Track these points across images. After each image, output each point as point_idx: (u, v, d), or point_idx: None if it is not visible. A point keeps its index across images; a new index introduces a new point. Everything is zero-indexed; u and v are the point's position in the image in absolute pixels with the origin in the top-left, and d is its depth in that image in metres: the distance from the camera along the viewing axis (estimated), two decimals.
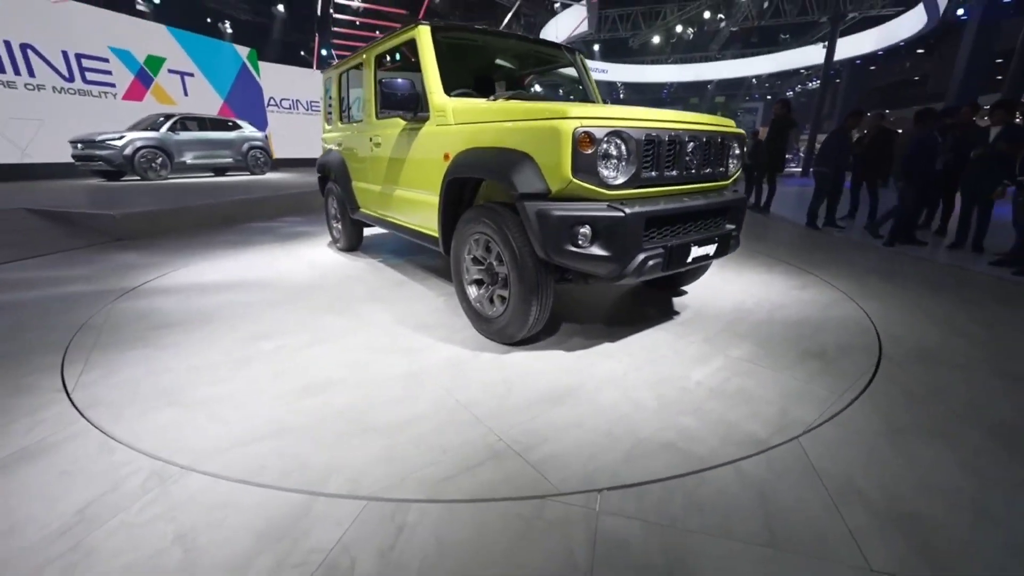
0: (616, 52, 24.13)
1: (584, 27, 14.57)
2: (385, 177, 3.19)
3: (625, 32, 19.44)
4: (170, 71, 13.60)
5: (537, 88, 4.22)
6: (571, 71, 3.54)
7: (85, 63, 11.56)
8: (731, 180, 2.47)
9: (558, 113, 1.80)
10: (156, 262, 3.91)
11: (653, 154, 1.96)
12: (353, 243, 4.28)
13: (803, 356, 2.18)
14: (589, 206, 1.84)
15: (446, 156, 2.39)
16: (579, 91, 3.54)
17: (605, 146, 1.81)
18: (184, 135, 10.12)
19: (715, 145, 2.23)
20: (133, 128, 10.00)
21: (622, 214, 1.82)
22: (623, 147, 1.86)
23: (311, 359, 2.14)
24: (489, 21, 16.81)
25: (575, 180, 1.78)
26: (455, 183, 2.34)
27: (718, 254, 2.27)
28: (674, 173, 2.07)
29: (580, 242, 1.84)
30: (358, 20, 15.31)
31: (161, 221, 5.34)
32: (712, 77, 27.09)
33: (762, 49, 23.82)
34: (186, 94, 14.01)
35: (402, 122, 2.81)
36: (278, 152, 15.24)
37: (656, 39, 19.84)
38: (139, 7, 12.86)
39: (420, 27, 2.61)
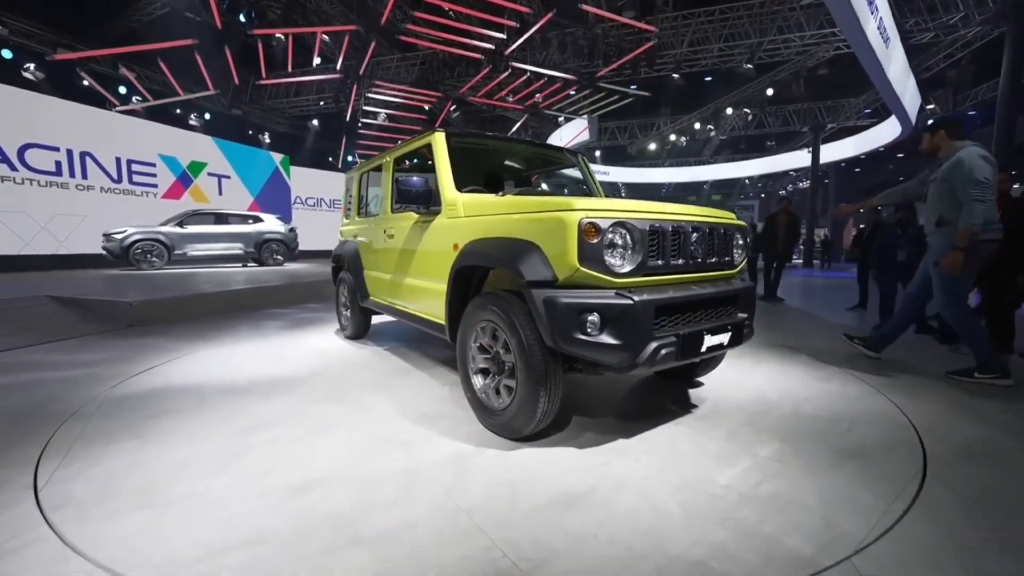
0: (616, 157, 26.29)
1: (585, 136, 16.06)
2: (396, 266, 3.28)
3: (623, 140, 21.36)
4: (209, 174, 14.95)
5: (544, 187, 4.50)
6: (576, 172, 3.79)
7: (134, 167, 12.79)
8: (738, 269, 2.48)
9: (564, 205, 1.88)
10: (164, 348, 3.90)
11: (658, 244, 1.99)
12: (360, 331, 4.27)
13: (839, 456, 1.99)
14: (597, 293, 1.83)
15: (455, 246, 2.46)
16: (583, 190, 3.76)
17: (611, 235, 1.85)
18: (191, 229, 10.61)
19: (718, 236, 2.28)
20: (165, 223, 10.72)
21: (631, 301, 1.79)
22: (628, 237, 1.90)
23: (304, 453, 2.00)
24: (500, 131, 18.68)
25: (582, 268, 1.80)
26: (463, 272, 2.37)
27: (732, 343, 2.20)
28: (680, 262, 2.09)
29: (589, 330, 1.79)
30: (382, 131, 17.10)
31: (175, 308, 5.45)
32: (707, 178, 29.08)
33: (751, 154, 25.82)
34: (220, 193, 15.25)
35: (415, 215, 2.96)
36: (303, 243, 16.04)
37: (652, 146, 21.70)
38: (191, 122, 14.52)
39: (436, 134, 2.86)
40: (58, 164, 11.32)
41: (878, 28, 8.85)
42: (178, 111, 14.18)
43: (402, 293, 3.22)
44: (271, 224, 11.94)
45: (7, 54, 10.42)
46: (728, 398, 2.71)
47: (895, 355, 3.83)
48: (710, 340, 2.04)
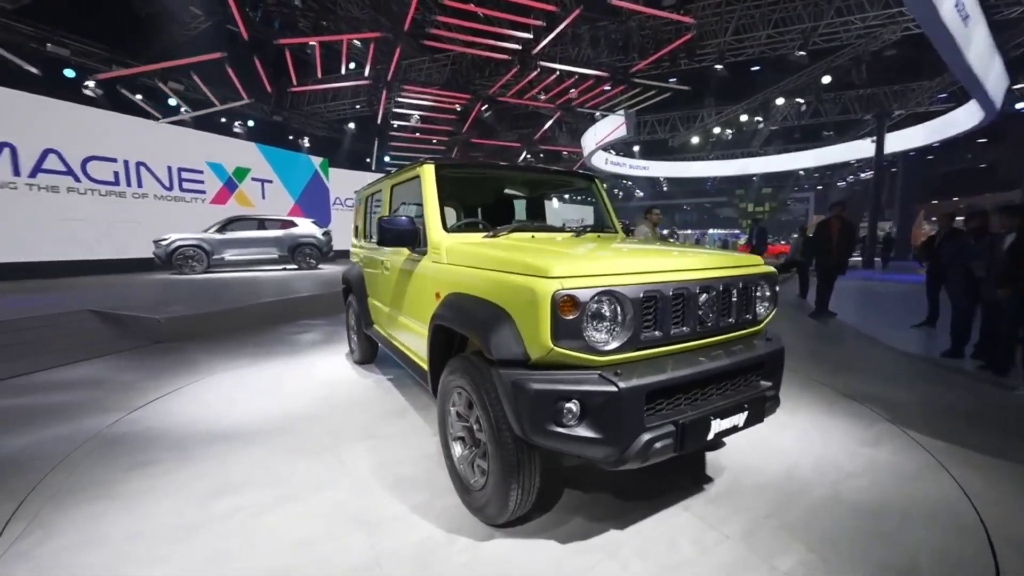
0: (657, 150, 25.18)
1: (621, 132, 15.37)
2: (391, 300, 3.11)
3: (664, 134, 20.37)
4: (253, 179, 15.60)
5: (555, 205, 4.17)
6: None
7: (184, 175, 13.51)
8: (763, 325, 2.11)
9: (538, 270, 1.61)
10: (175, 372, 3.95)
11: (655, 312, 1.68)
12: (367, 356, 4.17)
13: None
14: (576, 376, 1.55)
15: (437, 295, 2.24)
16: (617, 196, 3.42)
17: (595, 306, 1.56)
18: (228, 235, 11.04)
19: (736, 292, 1.92)
20: (208, 228, 11.24)
21: (615, 389, 1.50)
22: (617, 308, 1.60)
23: (263, 531, 1.85)
24: (533, 129, 18.28)
25: (557, 348, 1.52)
26: (441, 328, 2.14)
27: (750, 422, 1.85)
28: (684, 330, 1.76)
29: (566, 421, 1.52)
30: (414, 132, 17.18)
31: (199, 325, 5.60)
32: (756, 171, 27.32)
33: (806, 144, 23.95)
34: (263, 197, 15.89)
35: (406, 251, 2.77)
36: (339, 243, 16.50)
37: (695, 139, 20.57)
38: (236, 129, 15.14)
39: (425, 166, 2.64)
40: (116, 174, 12.10)
41: (955, 6, 7.76)
42: (223, 120, 14.82)
43: (394, 329, 3.05)
44: (305, 228, 12.23)
45: (70, 73, 11.19)
46: (751, 468, 2.34)
47: (955, 395, 3.27)
48: (719, 425, 1.71)
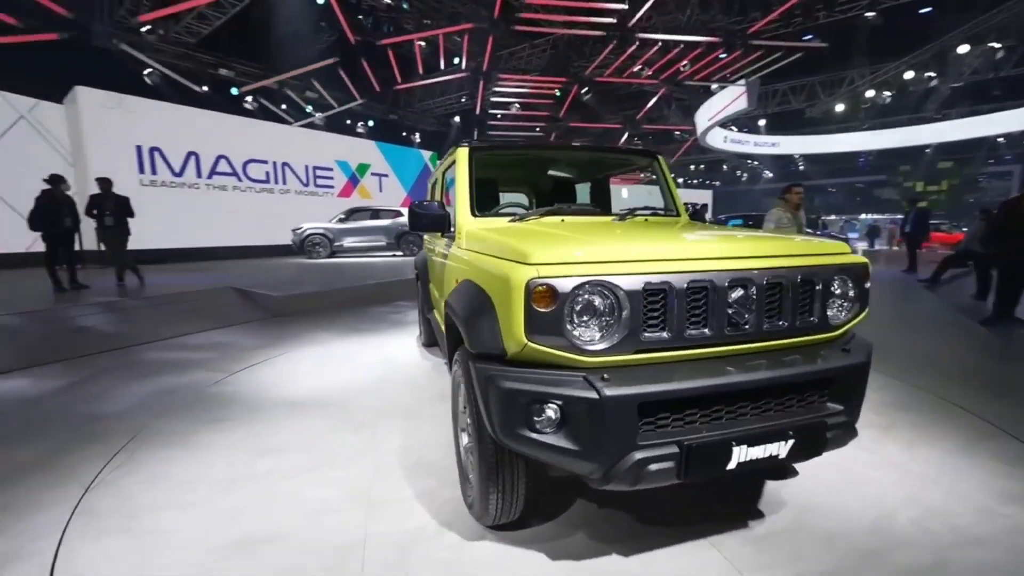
0: (789, 124, 21.82)
1: (741, 104, 13.58)
2: (435, 285, 3.16)
3: (798, 103, 17.53)
4: (372, 174, 17.31)
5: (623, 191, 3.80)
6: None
7: (317, 172, 15.54)
8: (840, 332, 1.64)
9: (518, 255, 1.43)
10: (277, 342, 4.56)
11: (662, 308, 1.39)
12: (431, 339, 4.32)
13: None
14: (557, 378, 1.35)
15: (456, 281, 2.17)
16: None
17: (580, 298, 1.34)
18: (346, 224, 12.29)
19: (793, 287, 1.51)
20: (334, 219, 12.78)
21: (595, 396, 1.28)
22: (610, 301, 1.35)
23: (285, 494, 2.01)
24: (639, 108, 17.15)
25: (531, 344, 1.34)
26: (448, 316, 2.07)
27: (800, 455, 1.45)
28: (706, 332, 1.43)
29: (540, 427, 1.35)
30: (514, 120, 17.32)
31: (306, 303, 6.40)
32: (930, 141, 22.05)
33: (1007, 103, 18.57)
34: (380, 190, 17.55)
35: (444, 236, 2.77)
36: None
37: (840, 106, 17.32)
38: (359, 130, 16.88)
39: (460, 149, 2.58)
40: (267, 174, 14.38)
41: None
42: (347, 121, 16.63)
43: (438, 314, 3.09)
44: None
45: (234, 91, 13.53)
46: (823, 509, 1.86)
47: None
48: (746, 452, 1.36)
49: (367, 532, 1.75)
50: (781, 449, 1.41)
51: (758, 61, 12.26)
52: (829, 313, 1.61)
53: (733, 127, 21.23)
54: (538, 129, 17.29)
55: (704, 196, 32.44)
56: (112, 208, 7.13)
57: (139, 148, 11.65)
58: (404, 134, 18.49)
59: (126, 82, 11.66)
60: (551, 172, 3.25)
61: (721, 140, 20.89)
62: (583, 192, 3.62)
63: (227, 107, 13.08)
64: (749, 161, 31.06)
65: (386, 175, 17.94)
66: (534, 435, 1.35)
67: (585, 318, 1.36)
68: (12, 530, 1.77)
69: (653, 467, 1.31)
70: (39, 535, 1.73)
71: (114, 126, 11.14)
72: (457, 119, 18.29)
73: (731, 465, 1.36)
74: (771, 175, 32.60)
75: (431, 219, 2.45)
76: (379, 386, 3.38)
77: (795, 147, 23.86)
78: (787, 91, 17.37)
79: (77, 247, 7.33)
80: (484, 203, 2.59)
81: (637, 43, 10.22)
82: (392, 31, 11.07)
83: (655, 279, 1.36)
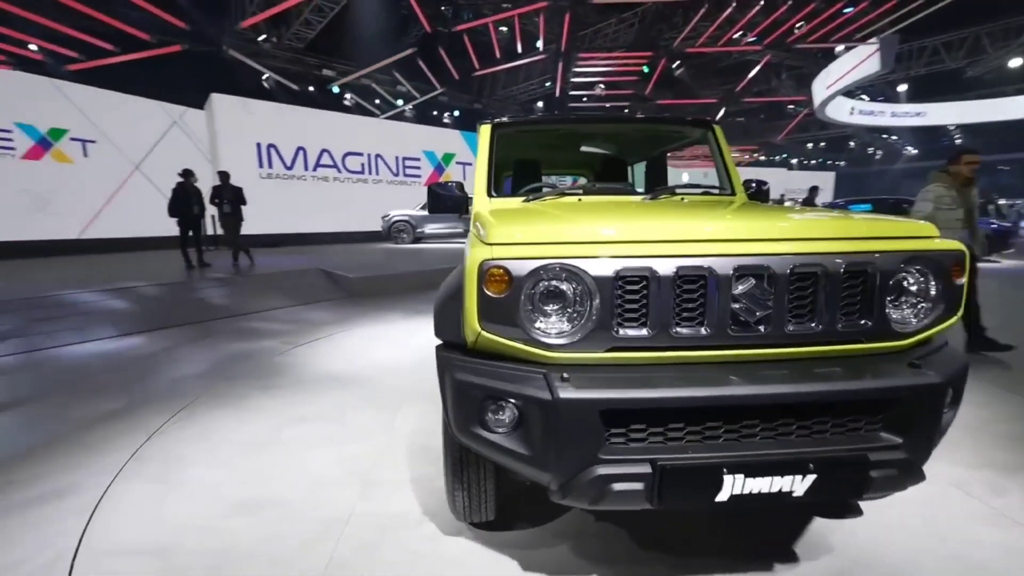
0: (940, 87, 17.99)
1: (872, 67, 11.42)
2: None
3: (953, 62, 14.32)
4: (457, 162, 17.90)
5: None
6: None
7: (406, 162, 16.47)
8: (909, 341, 1.24)
9: (484, 235, 1.29)
10: (343, 319, 4.91)
11: (643, 300, 1.15)
12: None
13: None
14: (515, 373, 1.20)
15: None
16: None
17: (538, 283, 1.17)
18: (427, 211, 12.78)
19: (833, 280, 1.16)
20: (417, 206, 13.45)
21: (548, 397, 1.10)
22: (575, 288, 1.16)
23: (300, 463, 2.12)
24: (736, 81, 15.36)
25: (484, 333, 1.20)
26: None
27: (823, 494, 1.13)
28: (703, 331, 1.16)
29: (492, 426, 1.21)
30: (599, 102, 16.58)
31: (379, 285, 6.81)
32: None
33: None
34: (464, 178, 18.13)
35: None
36: None
37: (1017, 61, 13.81)
38: (444, 120, 17.49)
39: (483, 126, 2.45)
40: (363, 165, 15.58)
41: None
42: (434, 112, 17.29)
43: None
44: None
45: (335, 89, 14.78)
46: (879, 564, 1.46)
47: None
48: (742, 483, 1.09)
49: (353, 510, 1.77)
50: (796, 485, 1.10)
51: (895, 11, 10.14)
52: (895, 316, 1.23)
53: (863, 95, 18.13)
54: (627, 110, 16.38)
55: (824, 179, 28.42)
56: (229, 197, 8.22)
57: (259, 145, 13.30)
58: None
59: (252, 87, 13.34)
60: (584, 148, 2.98)
61: (847, 112, 17.93)
62: (639, 173, 3.30)
63: (329, 104, 14.34)
64: (885, 136, 26.40)
65: (470, 163, 18.43)
66: (486, 434, 1.21)
67: (547, 307, 1.18)
68: (83, 465, 2.09)
69: (618, 486, 1.10)
70: (100, 471, 2.03)
71: (239, 127, 12.84)
72: (540, 104, 18.05)
73: (722, 497, 1.09)
74: (914, 152, 27.42)
75: (449, 201, 2.37)
76: (418, 368, 3.45)
77: (949, 116, 19.67)
78: (938, 47, 14.28)
79: (204, 232, 8.60)
80: (522, 184, 2.46)
81: (734, 4, 9.06)
82: (471, 18, 11.17)
83: (633, 264, 1.13)
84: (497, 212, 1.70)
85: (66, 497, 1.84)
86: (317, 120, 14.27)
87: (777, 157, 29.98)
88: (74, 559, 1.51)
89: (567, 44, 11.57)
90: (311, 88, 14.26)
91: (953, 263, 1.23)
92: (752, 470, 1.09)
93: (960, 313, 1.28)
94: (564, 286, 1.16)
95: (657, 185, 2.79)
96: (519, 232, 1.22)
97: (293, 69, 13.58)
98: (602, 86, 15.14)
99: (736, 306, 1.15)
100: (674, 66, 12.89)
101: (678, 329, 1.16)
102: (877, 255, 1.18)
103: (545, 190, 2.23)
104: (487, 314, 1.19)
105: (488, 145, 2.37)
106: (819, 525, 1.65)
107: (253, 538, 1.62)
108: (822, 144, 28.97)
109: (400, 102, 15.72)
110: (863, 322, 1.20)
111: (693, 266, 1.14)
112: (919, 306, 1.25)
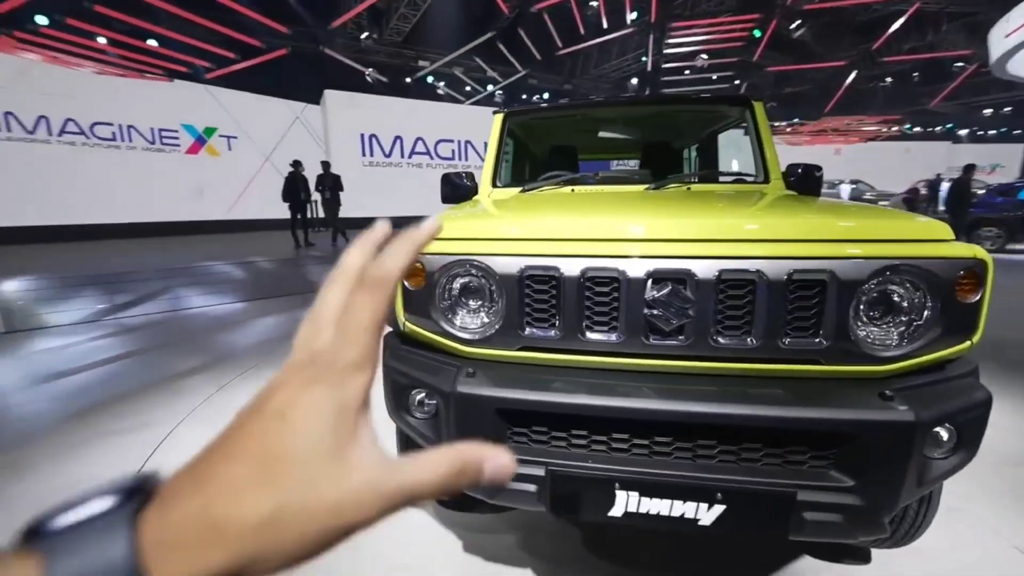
0: None
1: None
2: None
3: None
4: None
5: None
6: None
7: None
8: (893, 367, 1.03)
9: None
10: None
11: (556, 300, 1.11)
12: None
13: None
14: (432, 363, 1.25)
15: None
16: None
17: (451, 279, 1.19)
18: None
19: (774, 290, 1.00)
20: None
21: (447, 390, 1.13)
22: (485, 285, 1.16)
23: None
24: (872, 39, 12.83)
25: (408, 323, 1.26)
26: None
27: (740, 528, 1.01)
28: (613, 339, 1.09)
29: (413, 411, 1.27)
30: (697, 75, 15.12)
31: None
32: None
33: None
34: None
35: None
36: None
37: None
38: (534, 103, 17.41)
39: (496, 115, 2.46)
40: (453, 151, 16.29)
41: None
42: (523, 96, 17.28)
43: None
44: None
45: (430, 79, 15.53)
46: None
47: None
48: (638, 502, 1.02)
49: None
50: (701, 514, 1.00)
51: None
52: (868, 335, 1.03)
53: None
54: (716, 79, 14.68)
55: (1007, 153, 22.85)
56: (329, 184, 9.23)
57: (362, 136, 14.60)
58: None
59: (359, 82, 14.63)
60: (602, 134, 2.79)
61: None
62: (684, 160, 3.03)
63: (423, 94, 15.16)
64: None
65: None
66: (409, 419, 1.28)
67: (461, 303, 1.20)
68: (165, 405, 2.60)
69: (511, 485, 1.10)
70: (176, 413, 2.51)
71: (346, 119, 14.20)
72: (635, 81, 17.04)
73: (615, 513, 1.04)
74: None
75: (460, 190, 2.44)
76: None
77: None
78: None
79: (310, 215, 9.79)
80: (557, 170, 2.46)
81: None
82: None
83: (540, 263, 1.10)
84: (474, 205, 1.73)
85: (143, 431, 2.34)
86: (412, 110, 15.18)
87: (939, 127, 24.67)
88: None
89: (657, 14, 10.70)
90: (407, 79, 15.17)
91: (959, 275, 0.98)
92: (648, 490, 1.01)
93: (976, 338, 1.02)
94: (474, 282, 1.17)
95: (707, 169, 2.55)
96: (456, 226, 1.24)
97: (393, 63, 14.56)
98: (704, 56, 13.77)
99: (653, 313, 1.06)
100: (792, 26, 11.21)
101: (589, 334, 1.10)
102: (840, 261, 0.99)
103: (542, 179, 2.17)
104: (408, 305, 1.24)
105: (498, 134, 2.38)
106: (815, 566, 1.45)
107: None
108: (1006, 109, 23.12)
109: (490, 87, 16.00)
110: (817, 340, 1.02)
111: (602, 268, 1.07)
112: (905, 326, 1.02)
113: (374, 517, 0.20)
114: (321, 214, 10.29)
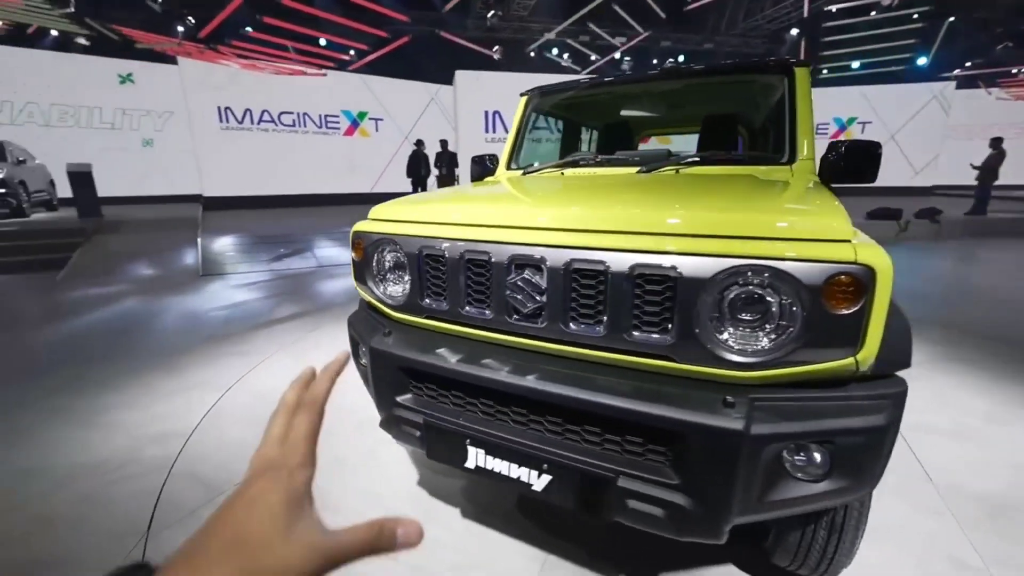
0: None
1: None
2: None
3: None
4: None
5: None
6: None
7: None
8: (760, 374, 0.96)
9: None
10: None
11: (438, 278, 1.27)
12: None
13: None
14: (372, 324, 1.51)
15: None
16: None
17: (382, 253, 1.42)
18: None
19: (619, 283, 1.01)
20: None
21: (368, 345, 1.39)
22: (400, 260, 1.37)
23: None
24: None
25: (359, 289, 1.55)
26: None
27: (564, 500, 1.08)
28: (486, 314, 1.21)
29: (361, 361, 1.57)
30: (873, 21, 12.04)
31: None
32: None
33: None
34: None
35: None
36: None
37: None
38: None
39: (521, 97, 2.54)
40: None
41: None
42: (654, 60, 15.97)
43: None
44: None
45: (555, 51, 15.36)
46: None
47: None
48: (484, 458, 1.16)
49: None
50: (533, 480, 1.10)
51: None
52: (723, 339, 0.98)
53: None
54: (916, 18, 11.31)
55: None
56: (446, 161, 10.06)
57: (486, 112, 15.30)
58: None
59: (488, 60, 15.28)
60: (629, 113, 2.59)
61: None
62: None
63: (546, 67, 15.13)
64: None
65: None
66: (357, 366, 1.58)
67: (388, 273, 1.43)
68: (244, 356, 3.38)
69: (404, 427, 1.33)
70: (263, 351, 3.26)
71: (473, 98, 15.01)
72: (794, 31, 14.39)
73: (469, 465, 1.19)
74: None
75: (484, 171, 2.61)
76: None
77: None
78: None
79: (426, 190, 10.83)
80: (610, 148, 2.58)
81: None
82: None
83: (431, 243, 1.27)
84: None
85: (249, 356, 3.12)
86: (531, 84, 15.30)
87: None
88: (213, 407, 2.65)
89: None
90: (531, 54, 15.27)
91: (827, 281, 0.87)
92: (492, 450, 1.15)
93: (862, 355, 0.90)
94: (396, 257, 1.39)
95: (716, 149, 2.31)
96: (381, 209, 1.47)
97: (518, 38, 14.79)
98: None
99: (515, 296, 1.15)
100: None
101: (468, 308, 1.25)
102: (686, 258, 0.96)
103: (537, 162, 2.23)
104: (355, 274, 1.53)
105: (520, 116, 2.48)
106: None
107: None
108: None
109: (617, 55, 15.21)
110: (666, 338, 1.01)
111: (476, 251, 1.19)
112: (763, 333, 0.94)
113: (319, 571, 0.27)
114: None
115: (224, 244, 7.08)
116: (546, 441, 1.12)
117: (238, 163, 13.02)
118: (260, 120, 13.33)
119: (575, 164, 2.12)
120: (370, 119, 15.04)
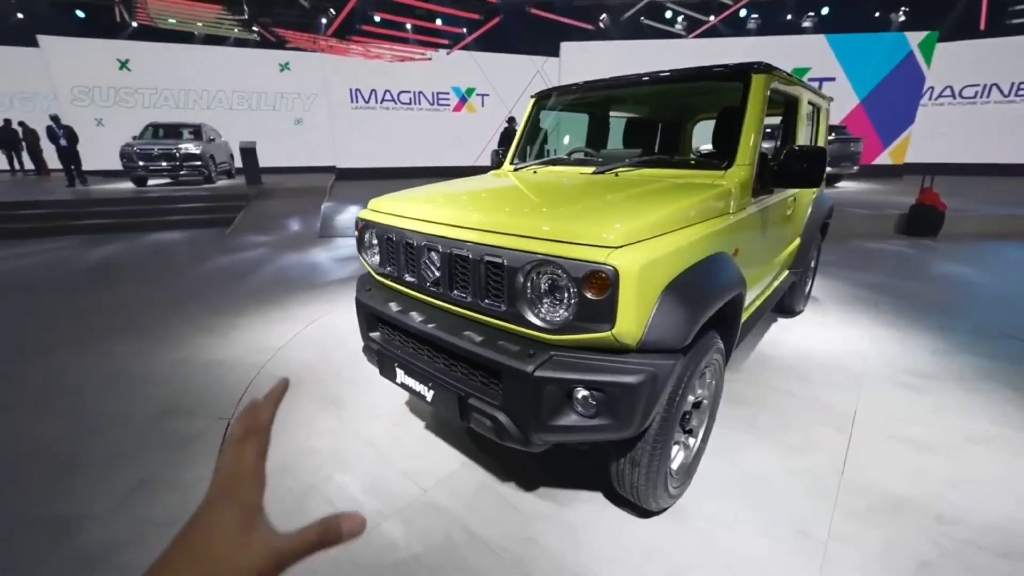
0: None
1: None
2: None
3: None
4: (810, 79, 14.26)
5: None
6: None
7: None
8: (560, 338, 1.37)
9: None
10: None
11: (392, 254, 1.84)
12: None
13: None
14: (363, 282, 2.14)
15: None
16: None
17: (369, 232, 2.03)
18: None
19: (476, 266, 1.47)
20: None
21: (356, 297, 2.03)
22: (377, 238, 1.96)
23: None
24: None
25: (361, 257, 2.19)
26: None
27: (443, 408, 1.60)
28: (411, 280, 1.75)
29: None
30: None
31: None
32: None
33: None
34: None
35: None
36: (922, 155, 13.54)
37: None
38: (804, 25, 14.01)
39: (531, 98, 2.90)
40: None
41: None
42: (788, 16, 13.92)
43: None
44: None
45: (668, 14, 14.30)
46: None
47: None
48: (404, 377, 1.74)
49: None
50: (426, 392, 1.65)
51: None
52: (530, 309, 1.39)
53: None
54: None
55: None
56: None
57: None
58: (877, 15, 13.55)
59: (595, 30, 14.93)
60: (613, 113, 2.70)
61: None
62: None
63: (651, 33, 14.24)
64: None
65: (833, 78, 14.29)
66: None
67: (371, 248, 2.04)
68: (327, 303, 4.32)
69: (370, 353, 1.96)
70: (312, 314, 4.18)
71: (577, 68, 14.85)
72: None
73: (399, 379, 1.77)
74: None
75: (496, 162, 3.05)
76: None
77: None
78: None
79: None
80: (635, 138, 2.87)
81: None
82: None
83: (389, 230, 1.83)
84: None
85: (329, 303, 4.07)
86: (632, 51, 14.54)
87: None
88: (296, 335, 3.59)
89: None
90: (641, 18, 14.46)
91: (584, 276, 1.24)
92: (408, 371, 1.72)
93: (616, 329, 1.26)
94: (371, 237, 1.99)
95: (671, 153, 2.45)
96: (374, 203, 2.07)
97: (623, 1, 14.12)
98: None
99: (425, 269, 1.67)
100: None
101: (406, 276, 1.80)
102: (510, 252, 1.38)
103: (531, 160, 2.59)
104: (358, 247, 2.16)
105: (528, 114, 2.85)
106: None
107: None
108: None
109: (744, 12, 13.65)
110: (500, 305, 1.45)
111: (408, 237, 1.73)
112: (553, 307, 1.34)
113: (275, 571, 0.31)
114: None
115: (340, 211, 8.54)
116: (436, 368, 1.65)
117: (363, 138, 14.95)
118: (383, 99, 15.00)
119: (554, 163, 2.47)
120: (477, 95, 15.87)
